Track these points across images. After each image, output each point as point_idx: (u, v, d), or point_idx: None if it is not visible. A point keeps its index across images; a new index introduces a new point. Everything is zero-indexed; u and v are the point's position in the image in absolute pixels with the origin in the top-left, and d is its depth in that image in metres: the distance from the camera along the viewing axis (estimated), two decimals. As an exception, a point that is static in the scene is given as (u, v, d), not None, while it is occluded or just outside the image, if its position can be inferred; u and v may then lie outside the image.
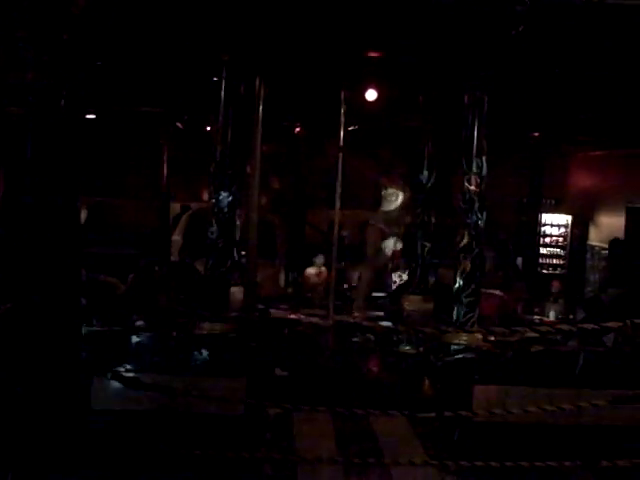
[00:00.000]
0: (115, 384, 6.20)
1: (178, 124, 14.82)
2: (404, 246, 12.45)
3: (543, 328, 8.77)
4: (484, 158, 8.31)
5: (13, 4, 3.50)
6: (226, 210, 8.22)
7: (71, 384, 4.10)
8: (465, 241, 8.34)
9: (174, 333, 7.93)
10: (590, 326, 5.08)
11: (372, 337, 9.30)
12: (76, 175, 3.85)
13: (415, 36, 7.60)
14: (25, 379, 3.92)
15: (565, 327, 5.51)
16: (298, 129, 14.45)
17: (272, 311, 10.30)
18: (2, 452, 4.02)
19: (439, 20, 7.01)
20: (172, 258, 13.94)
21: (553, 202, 16.79)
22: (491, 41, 7.35)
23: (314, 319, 9.95)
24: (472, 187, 8.28)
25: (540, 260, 16.62)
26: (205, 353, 7.54)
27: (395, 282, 12.34)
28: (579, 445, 6.54)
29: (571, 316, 11.00)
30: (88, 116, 12.08)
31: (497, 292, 11.09)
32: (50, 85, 3.64)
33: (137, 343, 7.65)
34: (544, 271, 16.52)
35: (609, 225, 15.65)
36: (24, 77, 3.61)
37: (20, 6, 3.48)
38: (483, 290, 8.92)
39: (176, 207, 15.79)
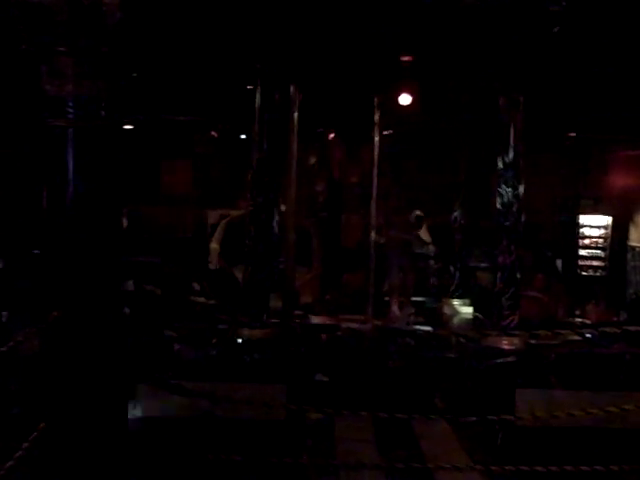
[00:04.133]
0: (159, 391, 6.26)
1: (213, 133, 14.93)
2: (441, 250, 12.41)
3: (586, 330, 8.65)
4: (521, 160, 8.25)
5: (52, 18, 3.55)
6: (263, 217, 8.27)
7: (114, 391, 4.14)
8: (504, 244, 8.29)
9: (214, 340, 7.98)
10: (634, 328, 5.00)
11: (412, 341, 9.25)
12: (118, 186, 3.90)
13: (449, 39, 7.58)
14: (69, 386, 3.97)
15: (609, 329, 5.44)
16: (332, 135, 14.46)
17: (311, 316, 10.31)
18: (49, 461, 4.07)
19: (473, 22, 6.98)
20: (210, 266, 14.04)
21: (592, 203, 16.57)
22: (527, 42, 7.29)
23: (353, 324, 9.93)
24: (510, 189, 8.22)
25: (580, 262, 16.39)
26: (245, 359, 7.57)
27: (434, 286, 12.29)
28: (624, 449, 6.44)
29: (614, 318, 10.85)
30: (124, 127, 12.21)
31: (537, 295, 10.99)
32: (90, 97, 3.69)
33: (178, 350, 7.71)
34: (584, 273, 16.29)
35: (650, 225, 15.42)
36: (64, 89, 3.66)
37: (59, 20, 3.54)
38: (523, 293, 8.84)
39: (214, 215, 15.88)
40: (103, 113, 3.73)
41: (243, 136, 13.48)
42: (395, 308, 11.33)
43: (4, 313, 8.66)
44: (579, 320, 10.80)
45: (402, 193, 14.04)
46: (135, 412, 6.36)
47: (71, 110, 3.67)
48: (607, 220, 16.55)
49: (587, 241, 16.54)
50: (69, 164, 3.74)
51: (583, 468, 5.10)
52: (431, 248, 14.35)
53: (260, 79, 8.18)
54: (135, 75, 8.30)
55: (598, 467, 5.09)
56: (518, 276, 8.35)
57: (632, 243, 16.19)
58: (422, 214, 13.06)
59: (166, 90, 10.46)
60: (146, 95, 9.98)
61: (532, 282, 12.09)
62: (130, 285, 9.68)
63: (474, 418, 6.15)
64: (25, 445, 3.93)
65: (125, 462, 4.26)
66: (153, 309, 9.84)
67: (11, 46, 3.93)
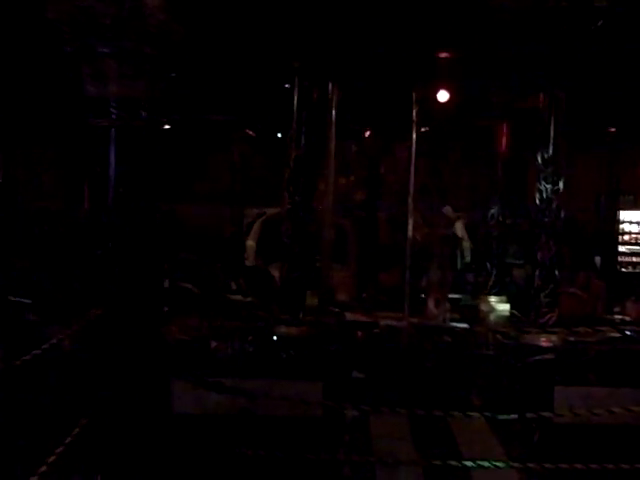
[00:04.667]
0: (197, 388, 6.32)
1: (250, 131, 15.01)
2: (478, 247, 12.34)
3: (626, 327, 8.56)
4: (561, 156, 8.19)
5: (95, 20, 3.62)
6: (300, 215, 8.30)
7: (154, 388, 4.20)
8: (542, 240, 8.23)
9: (251, 337, 8.03)
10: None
11: (449, 339, 9.22)
12: (159, 184, 3.96)
13: (487, 34, 7.53)
14: (112, 382, 4.03)
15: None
16: (369, 132, 14.44)
17: (347, 314, 10.32)
18: (92, 455, 4.14)
19: (513, 18, 6.93)
20: (247, 263, 14.11)
21: (632, 198, 16.36)
22: (570, 37, 7.22)
23: (389, 321, 9.92)
24: (549, 185, 8.16)
25: (619, 258, 16.19)
26: (282, 356, 7.62)
27: (471, 283, 12.23)
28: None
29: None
30: (164, 127, 12.35)
31: (576, 291, 10.87)
32: (131, 97, 3.75)
33: (216, 347, 7.77)
34: (623, 269, 16.10)
35: (691, 220, 15.18)
36: (107, 90, 3.73)
37: (102, 22, 3.60)
38: (562, 290, 8.77)
39: (252, 213, 15.96)
40: (144, 114, 3.79)
41: (280, 135, 13.53)
42: (432, 305, 11.28)
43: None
44: (619, 317, 10.66)
45: (439, 190, 14.00)
46: (173, 409, 6.42)
47: (113, 111, 3.74)
48: (647, 216, 16.33)
49: (627, 237, 16.33)
50: (111, 163, 3.81)
51: (623, 466, 5.06)
52: (467, 245, 14.29)
53: (298, 77, 8.21)
54: (174, 75, 8.37)
55: (639, 465, 5.04)
56: (557, 273, 8.28)
57: (673, 239, 15.96)
58: (451, 210, 13.01)
59: (204, 90, 10.55)
60: (184, 95, 10.07)
61: (572, 279, 11.97)
62: (166, 283, 9.77)
63: (512, 416, 6.12)
64: (67, 440, 4.00)
65: (164, 458, 4.33)
66: (191, 306, 9.92)
67: (55, 48, 4.01)
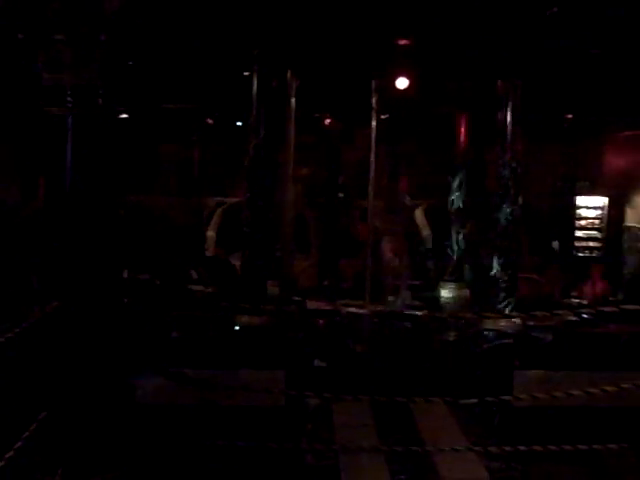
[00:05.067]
0: (158, 379, 6.28)
1: (209, 120, 14.88)
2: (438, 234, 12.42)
3: (583, 311, 8.69)
4: (519, 143, 8.27)
5: (48, 6, 3.55)
6: (260, 204, 8.26)
7: (115, 379, 4.16)
8: (501, 226, 8.31)
9: (213, 327, 7.99)
10: (632, 307, 5.03)
11: (410, 325, 9.28)
12: (115, 174, 3.91)
13: (446, 22, 7.56)
14: (71, 375, 3.99)
15: (607, 309, 5.46)
16: (329, 120, 14.42)
17: (308, 302, 10.32)
18: (52, 448, 4.10)
19: (471, 5, 6.97)
20: (207, 254, 14.03)
21: (588, 184, 16.59)
22: (525, 24, 7.28)
23: (351, 309, 9.96)
24: (507, 172, 8.24)
25: (576, 243, 16.43)
26: (244, 346, 7.60)
27: (431, 270, 12.31)
28: (622, 427, 6.49)
29: (611, 298, 10.89)
30: (121, 115, 12.18)
31: (534, 276, 11.02)
32: (87, 85, 3.69)
33: (178, 338, 7.72)
34: (580, 254, 16.33)
35: (646, 206, 15.44)
36: (62, 78, 3.66)
37: (57, 8, 3.53)
38: (520, 275, 8.87)
39: (211, 203, 15.86)
40: (100, 101, 3.73)
41: (239, 123, 13.44)
42: (391, 293, 11.33)
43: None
44: (576, 301, 10.83)
45: (398, 178, 14.04)
46: (135, 400, 6.37)
47: (69, 98, 3.67)
48: (603, 201, 16.57)
49: (583, 222, 16.57)
50: (67, 152, 3.75)
51: (581, 447, 5.14)
52: (427, 232, 14.37)
53: (257, 65, 8.16)
54: (131, 63, 8.26)
55: (596, 446, 5.13)
56: (515, 258, 8.38)
57: (628, 223, 16.23)
58: (409, 198, 13.07)
59: (162, 78, 10.42)
60: (141, 83, 9.95)
61: (529, 264, 12.12)
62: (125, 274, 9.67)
63: (472, 400, 6.18)
64: (25, 435, 3.95)
65: (126, 449, 4.29)
66: (150, 298, 9.85)
67: (8, 34, 3.93)
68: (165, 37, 8.17)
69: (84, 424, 4.03)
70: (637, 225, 15.71)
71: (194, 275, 11.56)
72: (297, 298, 10.12)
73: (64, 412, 3.95)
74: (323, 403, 7.57)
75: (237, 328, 7.98)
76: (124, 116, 12.38)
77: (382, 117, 10.72)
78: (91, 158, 3.79)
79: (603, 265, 13.37)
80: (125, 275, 8.66)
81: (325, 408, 7.73)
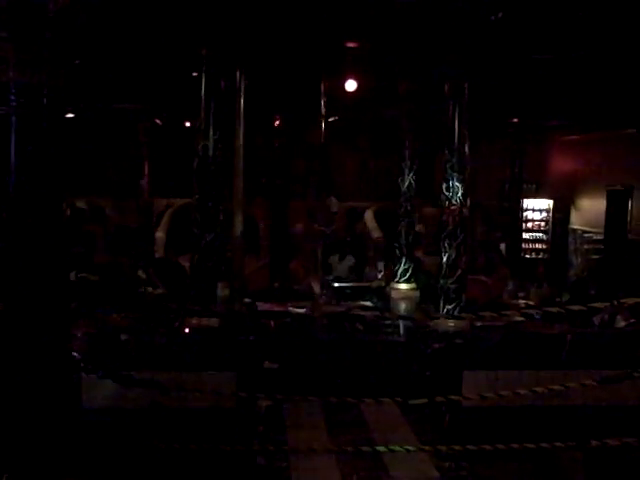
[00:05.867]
0: (106, 382, 6.19)
1: (157, 120, 14.76)
2: (387, 235, 12.51)
3: (529, 311, 8.84)
4: (466, 145, 8.38)
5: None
6: (210, 205, 8.21)
7: (62, 383, 4.09)
8: (449, 228, 8.40)
9: (162, 329, 7.92)
10: (577, 307, 5.13)
11: (360, 326, 9.32)
12: (61, 175, 3.84)
13: (394, 25, 7.61)
14: (16, 379, 3.91)
15: (552, 310, 5.57)
16: (278, 122, 14.43)
17: (259, 304, 10.31)
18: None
19: (418, 9, 7.03)
20: (156, 255, 13.92)
21: (534, 187, 16.89)
22: (470, 28, 7.38)
23: (301, 310, 9.96)
24: (455, 174, 8.33)
25: (523, 245, 16.72)
26: (194, 348, 7.54)
27: (380, 271, 12.39)
28: (569, 425, 6.61)
29: (557, 299, 11.09)
30: (67, 115, 12.00)
31: (482, 277, 11.17)
32: (32, 84, 3.62)
33: (126, 340, 7.63)
34: (527, 256, 16.62)
35: (590, 208, 15.77)
36: (5, 76, 3.58)
37: (0, 6, 3.46)
38: (468, 276, 8.97)
39: (161, 204, 15.74)
40: (45, 100, 3.67)
41: (188, 124, 13.37)
42: (317, 289, 11.35)
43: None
44: (523, 302, 11.01)
45: (340, 180, 14.13)
46: (82, 404, 6.28)
47: (13, 97, 3.60)
48: (549, 204, 16.90)
49: (530, 224, 16.87)
50: (11, 153, 3.67)
51: (528, 445, 5.21)
52: (377, 234, 14.47)
53: (205, 65, 8.11)
54: (78, 62, 8.14)
55: (543, 444, 5.21)
56: (463, 260, 8.47)
57: (573, 226, 16.56)
58: (336, 200, 13.11)
59: (110, 77, 10.29)
60: (89, 83, 9.82)
61: (477, 265, 12.29)
62: (72, 276, 9.54)
63: (422, 400, 6.23)
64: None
65: (74, 455, 4.22)
66: (97, 299, 9.72)
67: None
68: (113, 37, 8.06)
69: (29, 429, 3.96)
70: (581, 227, 16.05)
71: (143, 276, 11.45)
72: (248, 300, 10.10)
73: (7, 417, 3.87)
74: (274, 404, 7.55)
75: (187, 330, 7.93)
76: (70, 116, 12.24)
77: (330, 119, 10.76)
78: (36, 159, 3.71)
79: (549, 266, 13.63)
80: (72, 277, 8.54)
81: (276, 409, 7.72)
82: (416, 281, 10.68)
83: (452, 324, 8.12)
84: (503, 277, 11.87)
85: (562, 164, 16.71)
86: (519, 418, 6.74)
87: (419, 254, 11.80)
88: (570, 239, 16.65)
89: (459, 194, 8.33)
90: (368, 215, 15.26)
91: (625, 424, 6.33)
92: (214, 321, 7.94)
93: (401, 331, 9.21)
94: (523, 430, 6.17)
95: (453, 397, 5.94)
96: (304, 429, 7.45)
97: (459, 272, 8.37)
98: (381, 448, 6.47)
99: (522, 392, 5.49)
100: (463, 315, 8.15)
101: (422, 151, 11.18)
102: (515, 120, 14.85)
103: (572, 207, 16.69)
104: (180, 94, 10.08)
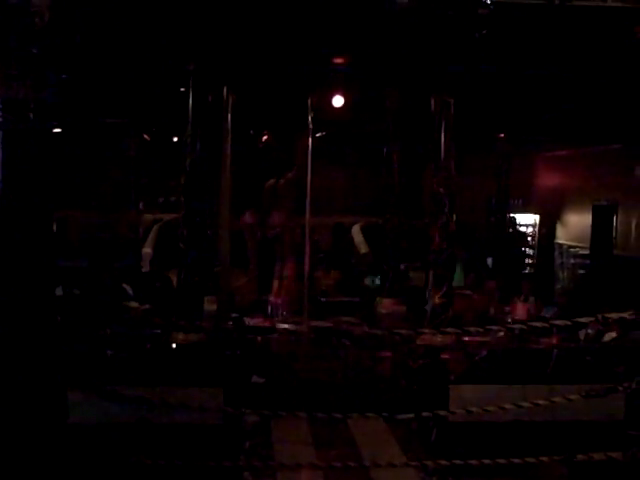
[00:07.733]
0: (92, 397, 6.16)
1: (145, 135, 14.75)
2: (375, 250, 12.52)
3: (516, 326, 8.86)
4: (452, 160, 8.42)
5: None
6: (197, 220, 8.22)
7: (48, 398, 4.08)
8: (436, 243, 8.43)
9: (149, 344, 7.88)
10: (563, 322, 5.16)
11: (348, 342, 9.32)
12: (48, 189, 3.84)
13: (380, 41, 7.66)
14: (1, 394, 3.90)
15: (539, 324, 5.59)
16: (265, 137, 14.45)
17: (246, 319, 10.29)
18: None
19: (403, 25, 7.08)
20: (143, 270, 13.87)
21: (520, 202, 16.97)
22: (456, 45, 7.43)
23: (289, 326, 9.96)
24: (441, 189, 8.37)
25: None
26: (181, 363, 7.51)
27: (369, 286, 12.40)
28: (555, 440, 6.62)
29: (542, 314, 11.13)
30: (54, 130, 11.96)
31: (468, 292, 11.19)
32: (18, 99, 3.63)
33: (112, 355, 7.59)
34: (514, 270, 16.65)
35: (576, 223, 15.87)
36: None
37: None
38: (455, 291, 9.00)
39: (148, 219, 15.70)
40: (32, 115, 3.68)
41: (176, 139, 13.36)
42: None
43: None
44: (509, 317, 11.03)
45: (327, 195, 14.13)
46: (68, 419, 6.23)
47: (0, 112, 3.61)
48: (535, 218, 16.99)
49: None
50: (-2, 167, 3.68)
51: (515, 461, 5.22)
52: (364, 249, 14.49)
53: (193, 81, 8.14)
54: (65, 77, 8.13)
55: (529, 459, 5.21)
56: (450, 275, 8.50)
57: (559, 240, 16.65)
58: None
59: (97, 92, 10.30)
60: (76, 98, 9.82)
61: (464, 280, 12.31)
62: (58, 291, 9.49)
63: (409, 415, 6.23)
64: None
65: (60, 471, 4.21)
66: (84, 314, 9.68)
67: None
68: (100, 51, 8.07)
69: (15, 445, 3.94)
70: (567, 242, 16.14)
71: (130, 291, 11.40)
72: (235, 315, 10.08)
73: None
74: (261, 420, 7.53)
75: (174, 345, 7.89)
76: (58, 131, 12.21)
77: (317, 135, 10.79)
78: (23, 173, 3.72)
79: (535, 281, 13.65)
80: (59, 291, 8.49)
81: (263, 425, 7.70)
82: (402, 296, 10.70)
83: (439, 339, 8.13)
84: (489, 292, 11.89)
85: (548, 179, 16.82)
86: (506, 433, 6.75)
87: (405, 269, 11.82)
88: (556, 254, 16.73)
89: (445, 208, 8.36)
90: (355, 230, 15.29)
91: (612, 439, 6.36)
92: (201, 336, 7.92)
93: (388, 346, 9.21)
94: (510, 445, 6.18)
95: (439, 412, 5.94)
96: (291, 444, 7.43)
97: (445, 287, 8.39)
98: (368, 463, 6.47)
99: (509, 407, 5.50)
100: (449, 330, 8.16)
101: (409, 166, 11.22)
102: (501, 135, 14.93)
103: (558, 222, 16.79)
104: (168, 109, 10.08)
